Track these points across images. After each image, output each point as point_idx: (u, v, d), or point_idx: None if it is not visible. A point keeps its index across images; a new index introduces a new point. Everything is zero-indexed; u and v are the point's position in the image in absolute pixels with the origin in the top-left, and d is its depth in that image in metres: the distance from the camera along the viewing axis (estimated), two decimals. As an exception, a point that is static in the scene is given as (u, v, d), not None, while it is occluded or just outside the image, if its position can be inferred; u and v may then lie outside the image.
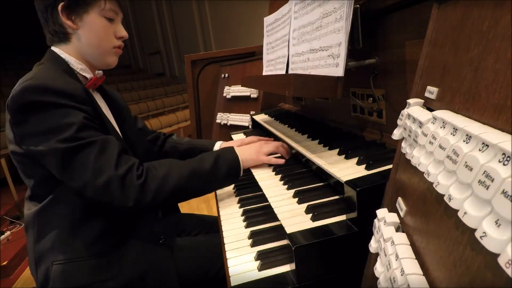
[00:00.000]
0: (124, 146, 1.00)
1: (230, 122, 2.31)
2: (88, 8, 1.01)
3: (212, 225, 1.38)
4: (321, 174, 0.96)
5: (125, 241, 1.03)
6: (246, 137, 1.72)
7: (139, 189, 0.90)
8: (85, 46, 1.04)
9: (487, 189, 0.29)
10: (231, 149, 1.10)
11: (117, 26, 1.09)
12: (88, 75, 1.07)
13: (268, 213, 0.95)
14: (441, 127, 0.41)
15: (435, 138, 0.41)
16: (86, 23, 1.02)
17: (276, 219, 0.83)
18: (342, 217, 0.77)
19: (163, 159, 1.04)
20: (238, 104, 2.29)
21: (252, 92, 2.11)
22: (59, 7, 0.98)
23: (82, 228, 0.97)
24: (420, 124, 0.46)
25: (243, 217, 0.99)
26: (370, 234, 0.57)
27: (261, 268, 0.75)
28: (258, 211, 1.01)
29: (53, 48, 1.05)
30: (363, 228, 0.69)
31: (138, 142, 1.23)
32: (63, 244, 0.97)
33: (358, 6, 0.87)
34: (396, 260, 0.44)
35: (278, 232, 0.86)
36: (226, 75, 2.43)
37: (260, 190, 1.04)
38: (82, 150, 0.88)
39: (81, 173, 0.88)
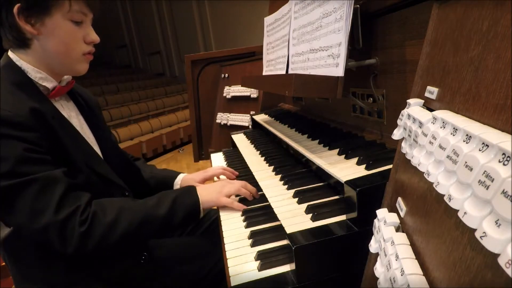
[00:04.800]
0: (75, 181, 0.87)
1: (230, 122, 2.31)
2: (51, 10, 0.86)
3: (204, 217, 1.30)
4: (321, 174, 0.96)
5: (103, 266, 0.96)
6: (245, 137, 1.73)
7: (80, 237, 0.81)
8: (49, 53, 0.91)
9: (487, 189, 0.29)
10: (192, 190, 1.01)
11: (86, 29, 0.94)
12: (50, 84, 0.94)
13: (268, 213, 0.95)
14: (441, 127, 0.41)
15: (435, 138, 0.41)
16: (49, 28, 0.87)
17: (276, 219, 0.83)
18: (342, 217, 0.77)
19: (117, 198, 0.96)
20: (238, 104, 2.29)
21: (252, 92, 2.11)
22: (15, 10, 0.83)
23: (52, 257, 0.90)
24: (420, 124, 0.46)
25: (243, 217, 0.99)
26: (370, 234, 0.57)
27: (261, 268, 0.75)
28: (258, 211, 1.00)
29: (10, 54, 0.92)
30: (363, 228, 0.69)
31: (114, 152, 1.13)
32: (37, 273, 0.92)
33: (358, 6, 0.87)
34: (396, 260, 0.44)
35: (278, 232, 0.86)
36: (226, 75, 2.44)
37: (260, 190, 1.04)
38: (20, 189, 0.78)
39: (17, 214, 0.79)
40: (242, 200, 1.08)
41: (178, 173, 1.32)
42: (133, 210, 0.90)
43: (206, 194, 1.01)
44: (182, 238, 1.27)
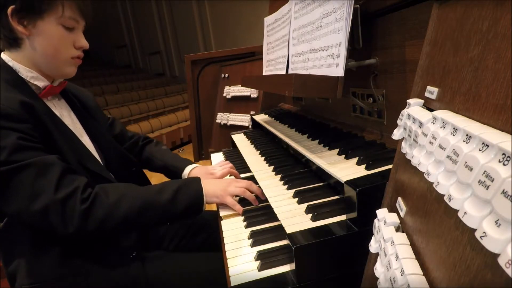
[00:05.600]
0: (72, 166, 0.89)
1: (230, 122, 2.31)
2: (44, 14, 0.89)
3: (203, 226, 1.29)
4: (321, 174, 0.96)
5: (91, 260, 0.96)
6: (245, 137, 1.73)
7: (82, 215, 0.82)
8: (39, 54, 0.93)
9: (487, 189, 0.29)
10: (197, 181, 1.00)
11: (77, 35, 0.97)
12: (41, 83, 0.96)
13: (268, 213, 0.95)
14: (441, 127, 0.41)
15: (435, 138, 0.41)
16: (40, 31, 0.91)
17: (276, 219, 0.83)
18: (342, 217, 0.77)
19: (121, 183, 0.96)
20: (238, 104, 2.29)
21: (252, 92, 2.11)
22: (9, 11, 0.87)
23: (43, 250, 0.91)
24: (420, 124, 0.46)
25: (243, 217, 0.99)
26: (370, 234, 0.57)
27: (261, 268, 0.75)
28: (258, 211, 1.00)
29: (2, 55, 0.95)
30: (363, 228, 0.69)
31: (111, 149, 1.13)
32: (27, 267, 0.92)
33: (358, 6, 0.87)
34: (396, 260, 0.44)
35: (278, 232, 0.86)
36: (226, 75, 2.44)
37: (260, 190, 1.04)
38: (17, 173, 0.79)
39: (15, 200, 0.80)
40: (243, 199, 1.08)
41: (187, 164, 1.29)
42: (135, 194, 0.91)
43: (211, 188, 1.01)
44: (180, 255, 1.18)
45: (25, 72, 0.94)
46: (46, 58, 0.95)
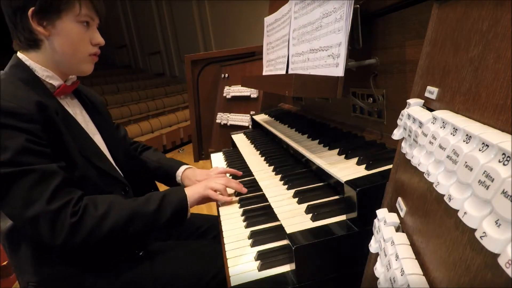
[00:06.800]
0: (71, 176, 0.90)
1: (230, 122, 2.31)
2: (62, 13, 0.93)
3: (208, 227, 1.32)
4: (321, 174, 0.96)
5: (99, 259, 0.97)
6: (245, 137, 1.73)
7: (71, 228, 0.83)
8: (58, 53, 0.96)
9: (487, 189, 0.29)
10: (180, 189, 1.05)
11: (92, 32, 1.01)
12: (56, 82, 0.99)
13: (268, 213, 0.95)
14: (441, 127, 0.41)
15: (435, 138, 0.41)
16: (59, 30, 0.94)
17: (276, 219, 0.83)
18: (342, 217, 0.77)
19: (109, 195, 0.98)
20: (238, 104, 2.29)
21: (252, 92, 2.11)
22: (29, 12, 0.90)
23: (49, 250, 0.92)
24: (420, 124, 0.46)
25: (243, 217, 0.99)
26: (370, 234, 0.57)
27: (261, 268, 0.75)
28: (258, 211, 1.00)
29: (19, 54, 0.97)
30: (363, 228, 0.69)
31: (119, 148, 1.17)
32: (34, 265, 0.93)
33: (358, 6, 0.87)
34: (396, 260, 0.44)
35: (278, 232, 0.86)
36: (226, 75, 2.44)
37: (260, 190, 1.04)
38: (18, 178, 0.81)
39: (11, 202, 0.81)
40: (244, 199, 1.08)
41: (181, 165, 1.34)
42: (123, 205, 0.93)
43: (193, 191, 1.05)
44: (184, 242, 1.24)
45: (41, 71, 0.96)
46: (65, 57, 0.98)
